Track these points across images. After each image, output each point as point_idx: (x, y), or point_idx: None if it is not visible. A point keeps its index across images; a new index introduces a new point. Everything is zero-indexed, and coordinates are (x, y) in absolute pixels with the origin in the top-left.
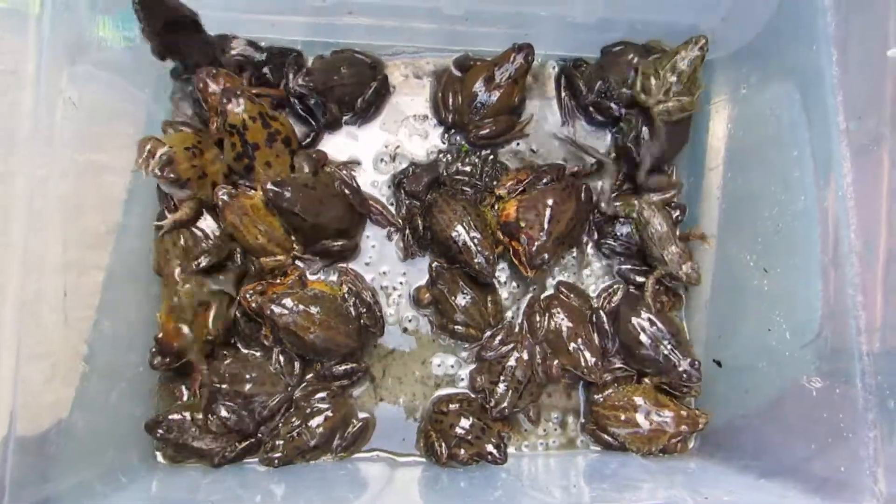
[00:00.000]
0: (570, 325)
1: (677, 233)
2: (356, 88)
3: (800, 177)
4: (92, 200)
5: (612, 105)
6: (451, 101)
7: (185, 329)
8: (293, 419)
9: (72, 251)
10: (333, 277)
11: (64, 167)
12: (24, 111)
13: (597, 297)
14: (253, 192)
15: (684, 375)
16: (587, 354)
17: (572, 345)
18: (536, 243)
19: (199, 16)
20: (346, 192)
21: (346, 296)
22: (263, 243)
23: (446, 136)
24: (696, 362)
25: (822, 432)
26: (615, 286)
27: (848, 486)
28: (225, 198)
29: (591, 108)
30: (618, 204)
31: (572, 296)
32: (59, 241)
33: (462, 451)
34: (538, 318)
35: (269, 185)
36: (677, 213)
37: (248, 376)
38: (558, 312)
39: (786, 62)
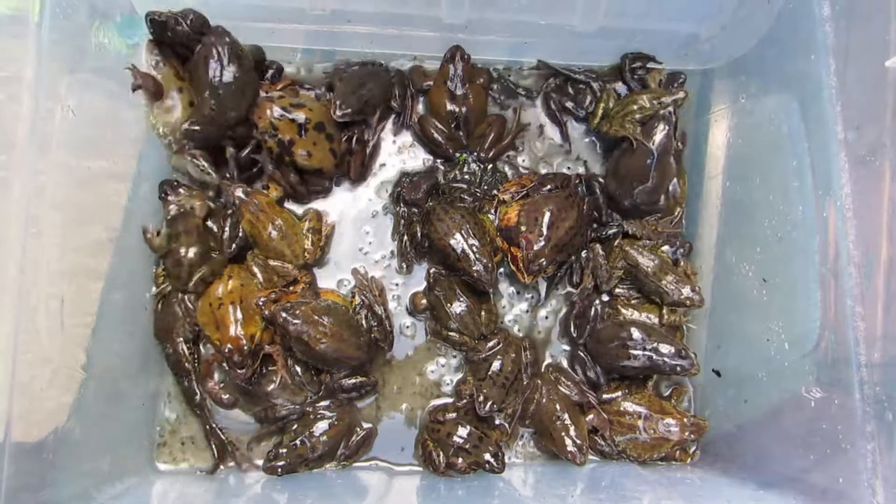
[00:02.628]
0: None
1: (670, 261)
2: (384, 93)
3: (799, 187)
4: (92, 207)
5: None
6: (438, 136)
7: (238, 326)
8: (296, 426)
9: (70, 258)
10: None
11: (63, 174)
12: (23, 118)
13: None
14: (267, 189)
15: (678, 369)
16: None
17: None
18: (535, 247)
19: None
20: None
21: (358, 308)
22: (277, 240)
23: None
24: (684, 351)
25: (820, 443)
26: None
27: (846, 498)
28: (241, 196)
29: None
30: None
31: (562, 378)
32: (57, 247)
33: (460, 461)
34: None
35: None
36: (681, 250)
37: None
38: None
39: (785, 72)
